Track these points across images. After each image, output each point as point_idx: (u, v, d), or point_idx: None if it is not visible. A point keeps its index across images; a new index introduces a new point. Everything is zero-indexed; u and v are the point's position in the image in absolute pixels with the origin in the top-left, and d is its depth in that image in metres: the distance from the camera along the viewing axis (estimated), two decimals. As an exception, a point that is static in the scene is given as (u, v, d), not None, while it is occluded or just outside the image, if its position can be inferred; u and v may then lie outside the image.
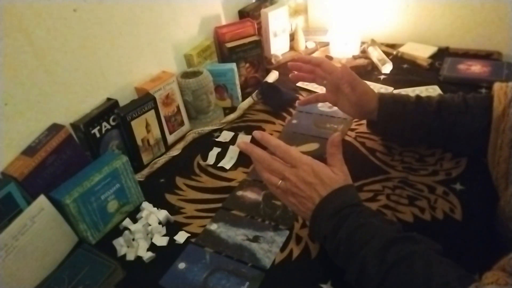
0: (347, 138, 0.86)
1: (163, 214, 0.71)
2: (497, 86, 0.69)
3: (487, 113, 0.67)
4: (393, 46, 1.21)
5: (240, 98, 1.04)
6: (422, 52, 1.14)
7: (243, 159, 0.84)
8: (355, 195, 0.58)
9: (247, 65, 1.08)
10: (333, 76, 0.77)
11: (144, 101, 0.82)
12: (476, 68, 1.02)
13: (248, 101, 1.02)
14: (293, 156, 0.59)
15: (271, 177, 0.60)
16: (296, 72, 0.85)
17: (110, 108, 0.79)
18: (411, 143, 0.79)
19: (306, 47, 1.24)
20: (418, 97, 0.74)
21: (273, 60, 1.18)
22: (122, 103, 0.82)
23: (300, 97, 1.03)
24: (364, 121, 0.90)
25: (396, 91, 0.98)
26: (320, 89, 1.04)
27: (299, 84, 1.09)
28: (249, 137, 0.90)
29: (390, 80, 1.05)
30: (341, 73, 0.74)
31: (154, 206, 0.73)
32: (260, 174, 0.62)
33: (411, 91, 0.97)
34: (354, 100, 0.75)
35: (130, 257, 0.65)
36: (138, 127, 0.82)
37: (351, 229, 0.53)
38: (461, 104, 0.70)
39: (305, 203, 0.58)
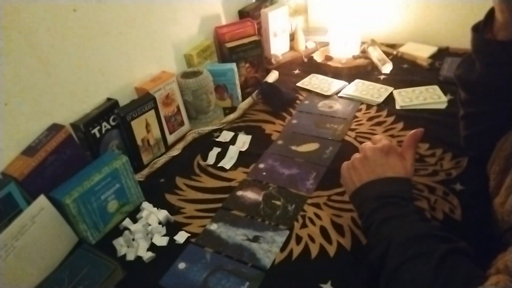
0: (347, 138, 0.86)
1: (163, 214, 0.71)
2: None
3: None
4: (393, 46, 1.21)
5: (240, 98, 1.04)
6: (422, 52, 1.14)
7: (243, 159, 0.84)
8: (408, 190, 0.59)
9: (247, 65, 1.08)
10: None
11: (144, 101, 0.82)
12: (476, 68, 1.01)
13: (248, 101, 1.02)
14: (376, 138, 0.66)
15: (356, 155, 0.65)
16: None
17: (110, 108, 0.79)
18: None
19: (306, 47, 1.25)
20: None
21: (273, 60, 1.18)
22: (122, 103, 0.82)
23: (300, 97, 1.03)
24: (365, 121, 0.91)
25: (396, 91, 0.98)
26: (320, 89, 1.05)
27: (299, 84, 1.09)
28: (249, 137, 0.90)
29: (390, 80, 1.05)
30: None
31: (154, 206, 0.74)
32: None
33: (411, 91, 0.97)
34: None
35: (130, 257, 0.65)
36: (138, 127, 0.82)
37: (388, 215, 0.54)
38: None
39: (361, 174, 0.60)
